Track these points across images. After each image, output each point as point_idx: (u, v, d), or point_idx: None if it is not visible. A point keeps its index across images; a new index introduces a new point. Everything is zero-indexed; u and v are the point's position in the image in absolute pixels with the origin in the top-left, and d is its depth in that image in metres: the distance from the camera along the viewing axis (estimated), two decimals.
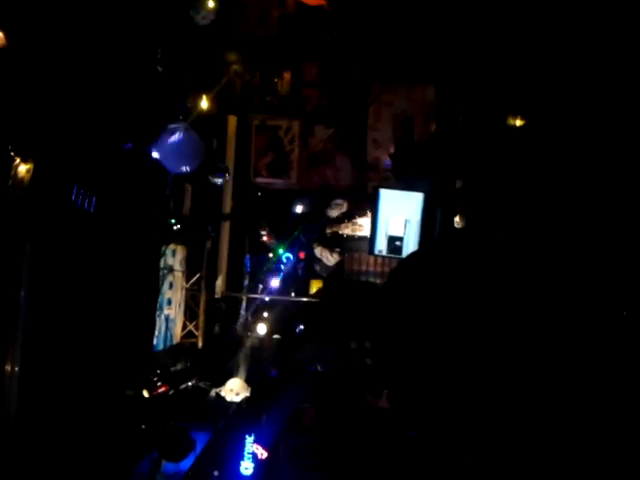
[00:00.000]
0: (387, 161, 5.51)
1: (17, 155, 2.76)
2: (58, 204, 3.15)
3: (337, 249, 5.61)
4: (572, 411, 1.80)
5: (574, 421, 1.80)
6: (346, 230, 5.60)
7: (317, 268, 5.80)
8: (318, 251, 5.67)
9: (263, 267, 6.13)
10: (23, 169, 2.77)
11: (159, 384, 4.30)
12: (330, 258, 5.60)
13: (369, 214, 5.22)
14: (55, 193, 3.11)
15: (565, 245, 2.16)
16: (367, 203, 5.29)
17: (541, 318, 1.89)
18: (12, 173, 2.77)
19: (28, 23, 2.90)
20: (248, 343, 5.59)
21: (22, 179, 2.77)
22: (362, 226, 5.43)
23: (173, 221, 4.50)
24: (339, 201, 5.66)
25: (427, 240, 4.40)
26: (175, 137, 3.66)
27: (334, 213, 5.66)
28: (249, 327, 5.82)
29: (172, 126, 3.80)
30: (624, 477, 1.76)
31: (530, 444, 1.79)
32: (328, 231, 5.67)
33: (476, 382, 1.86)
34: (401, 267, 2.55)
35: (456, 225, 4.28)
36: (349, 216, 5.60)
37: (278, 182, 6.09)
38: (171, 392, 4.36)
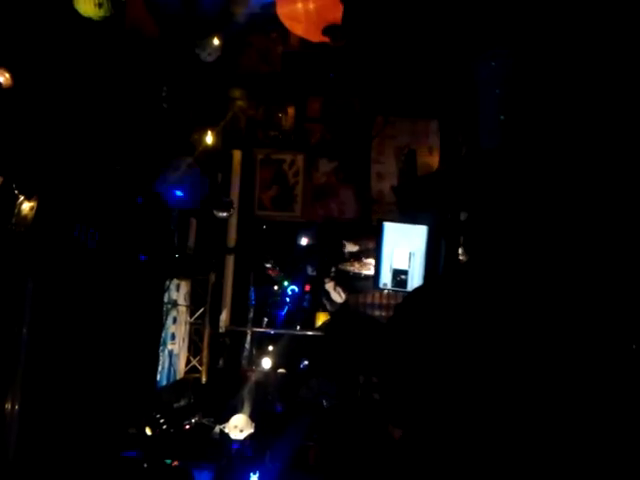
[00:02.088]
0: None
1: (21, 193, 2.78)
2: (61, 241, 3.16)
3: (346, 289, 5.63)
4: (571, 421, 1.78)
5: (573, 429, 1.78)
6: (352, 268, 5.59)
7: (324, 301, 5.77)
8: (330, 286, 5.67)
9: (268, 300, 6.11)
10: (27, 207, 2.79)
11: (162, 421, 4.24)
12: (341, 294, 5.60)
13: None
14: (58, 230, 3.12)
15: (575, 277, 2.14)
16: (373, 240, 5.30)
17: (546, 354, 1.87)
18: (16, 211, 2.78)
19: (33, 63, 2.95)
20: (252, 378, 5.52)
21: (25, 216, 2.78)
22: (368, 265, 5.44)
23: (178, 255, 4.51)
24: (351, 243, 5.72)
25: (431, 274, 4.37)
26: (179, 172, 3.68)
27: (348, 248, 5.69)
28: (253, 361, 5.77)
29: (176, 162, 3.83)
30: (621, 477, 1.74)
31: (532, 458, 1.77)
32: (339, 268, 5.67)
33: (482, 417, 1.83)
34: (406, 301, 2.53)
35: (460, 258, 4.27)
36: (357, 256, 5.61)
37: (282, 215, 6.10)
38: (173, 430, 4.30)
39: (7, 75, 2.72)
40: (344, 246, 5.69)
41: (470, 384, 1.86)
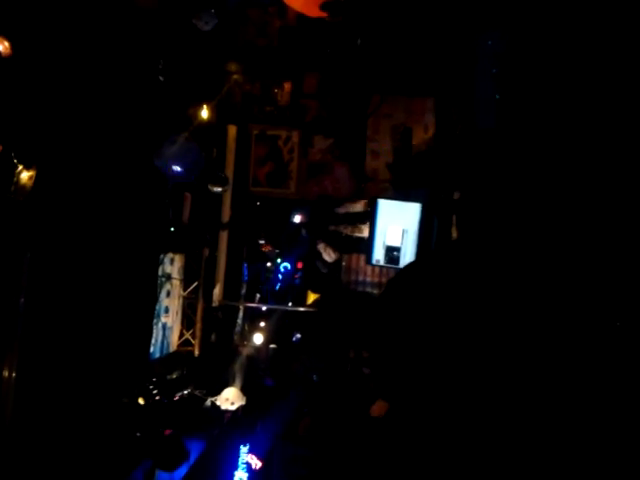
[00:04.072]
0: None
1: (20, 162, 2.78)
2: (59, 211, 3.17)
3: (336, 249, 5.68)
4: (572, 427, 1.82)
5: (574, 434, 1.82)
6: (346, 231, 5.64)
7: (317, 264, 5.83)
8: (321, 247, 5.72)
9: (261, 276, 6.15)
10: (25, 176, 2.79)
11: (155, 392, 4.29)
12: (332, 254, 5.65)
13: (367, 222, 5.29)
14: (57, 200, 3.12)
15: (563, 257, 2.19)
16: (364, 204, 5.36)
17: (537, 329, 1.92)
18: (15, 180, 2.78)
19: (32, 32, 2.93)
20: (244, 352, 5.58)
21: (24, 186, 2.79)
22: (361, 228, 5.48)
23: (172, 229, 4.51)
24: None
25: (424, 251, 4.42)
26: (177, 147, 3.68)
27: (340, 211, 5.76)
28: (246, 336, 5.82)
29: (174, 136, 3.82)
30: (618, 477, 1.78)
31: (529, 454, 1.81)
32: (331, 228, 5.72)
33: (473, 391, 1.88)
34: (398, 277, 2.57)
35: (453, 235, 4.31)
36: (350, 219, 5.66)
37: (277, 192, 6.11)
38: (166, 401, 4.35)
39: (6, 44, 2.70)
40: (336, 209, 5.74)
41: (459, 359, 1.91)
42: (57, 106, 3.10)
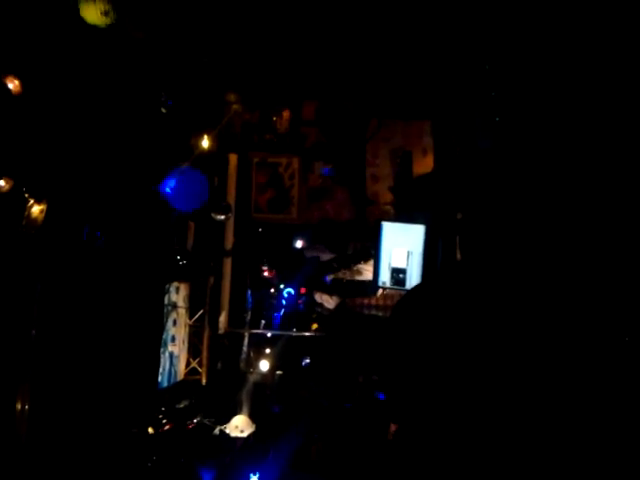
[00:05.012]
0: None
1: (31, 196, 2.83)
2: (69, 243, 3.21)
3: (335, 293, 5.70)
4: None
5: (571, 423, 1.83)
6: (345, 276, 5.68)
7: (319, 310, 5.85)
8: (318, 297, 5.75)
9: (265, 302, 6.16)
10: (36, 209, 2.84)
11: (164, 422, 4.28)
12: (330, 301, 5.67)
13: (367, 262, 5.33)
14: (67, 233, 3.17)
15: (569, 274, 2.21)
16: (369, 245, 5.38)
17: (545, 352, 1.94)
18: (26, 213, 2.83)
19: (40, 71, 3.01)
20: (251, 379, 5.57)
21: (36, 219, 2.83)
22: (361, 272, 5.52)
23: (178, 257, 4.55)
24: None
25: (429, 272, 4.45)
26: (183, 177, 3.74)
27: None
28: (252, 363, 5.81)
29: (180, 167, 3.90)
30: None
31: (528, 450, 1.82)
32: (329, 277, 5.75)
33: (483, 414, 1.90)
34: (405, 300, 2.60)
35: (458, 256, 4.34)
36: (347, 264, 5.69)
37: (279, 217, 6.16)
38: (176, 430, 4.34)
39: (16, 82, 2.77)
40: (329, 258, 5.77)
41: (469, 382, 1.93)
42: (66, 141, 3.17)
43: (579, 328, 2.00)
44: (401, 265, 4.62)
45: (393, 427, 3.24)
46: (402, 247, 4.58)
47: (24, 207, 2.79)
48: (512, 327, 1.97)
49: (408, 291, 3.30)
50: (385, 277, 4.72)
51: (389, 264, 4.68)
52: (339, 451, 4.14)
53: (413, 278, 4.54)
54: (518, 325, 1.97)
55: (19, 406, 3.19)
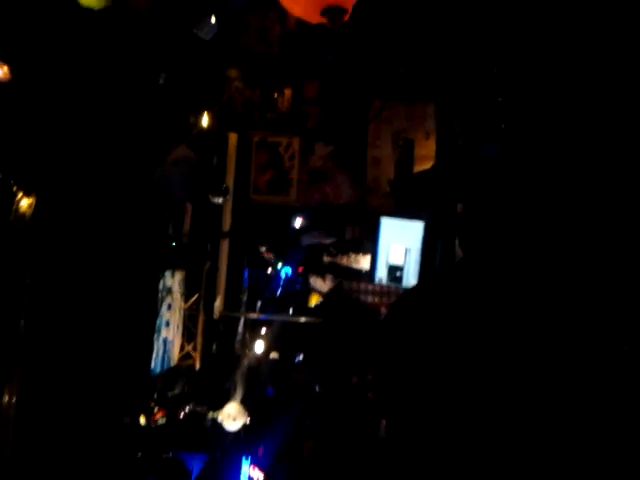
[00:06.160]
0: None
1: (19, 189, 2.74)
2: (59, 238, 3.13)
3: (330, 275, 5.64)
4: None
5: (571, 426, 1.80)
6: (342, 261, 5.61)
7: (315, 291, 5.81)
8: (312, 280, 5.70)
9: (261, 282, 6.11)
10: (25, 203, 2.74)
11: (156, 410, 4.26)
12: (324, 285, 5.62)
13: (364, 254, 5.27)
14: (56, 227, 3.08)
15: (570, 275, 2.15)
16: (366, 237, 5.30)
17: (545, 352, 1.89)
18: (14, 207, 2.74)
19: (31, 56, 2.87)
20: (245, 362, 5.55)
21: (24, 213, 2.74)
22: (358, 260, 5.45)
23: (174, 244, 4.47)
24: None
25: (427, 271, 4.39)
26: (177, 165, 3.63)
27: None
28: (247, 346, 5.79)
29: (175, 153, 3.78)
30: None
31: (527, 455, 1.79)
32: (326, 260, 5.68)
33: (479, 416, 1.85)
34: (402, 300, 2.53)
35: (456, 254, 4.27)
36: (344, 249, 5.62)
37: (278, 199, 6.07)
38: (168, 418, 4.32)
39: (5, 68, 2.65)
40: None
41: (466, 382, 1.88)
42: (56, 132, 3.05)
43: (579, 330, 1.94)
44: (399, 262, 4.55)
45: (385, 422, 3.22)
46: (400, 244, 4.50)
47: (12, 201, 2.70)
48: (510, 329, 1.91)
49: (405, 291, 3.23)
50: (382, 273, 4.66)
51: (386, 261, 4.61)
52: (332, 447, 4.14)
53: (410, 275, 4.48)
54: (516, 327, 1.91)
55: (7, 394, 3.15)
